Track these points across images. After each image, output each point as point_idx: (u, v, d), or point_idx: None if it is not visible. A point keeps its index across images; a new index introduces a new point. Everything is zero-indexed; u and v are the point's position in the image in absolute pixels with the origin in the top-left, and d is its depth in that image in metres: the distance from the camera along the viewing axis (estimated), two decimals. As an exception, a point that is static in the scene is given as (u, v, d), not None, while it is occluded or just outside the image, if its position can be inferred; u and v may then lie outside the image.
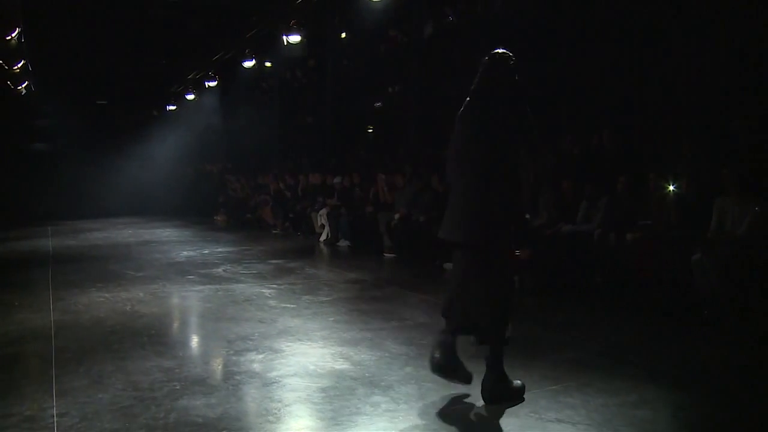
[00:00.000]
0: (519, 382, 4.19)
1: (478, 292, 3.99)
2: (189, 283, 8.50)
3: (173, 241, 13.67)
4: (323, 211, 13.27)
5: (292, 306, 6.99)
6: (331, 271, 9.53)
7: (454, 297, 4.13)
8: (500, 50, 4.01)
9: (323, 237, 13.09)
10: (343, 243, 12.52)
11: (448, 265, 9.21)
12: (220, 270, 9.56)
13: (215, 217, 19.07)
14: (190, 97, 22.31)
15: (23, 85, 19.23)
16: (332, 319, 6.36)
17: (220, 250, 11.99)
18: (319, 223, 13.38)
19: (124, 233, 15.54)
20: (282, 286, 8.17)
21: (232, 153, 22.66)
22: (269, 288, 8.06)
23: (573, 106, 10.60)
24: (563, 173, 8.51)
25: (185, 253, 11.60)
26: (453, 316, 4.10)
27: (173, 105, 24.17)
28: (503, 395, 4.05)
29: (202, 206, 20.62)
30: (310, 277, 8.89)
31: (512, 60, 3.95)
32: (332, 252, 11.99)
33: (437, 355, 4.00)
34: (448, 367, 3.99)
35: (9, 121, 21.77)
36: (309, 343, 5.52)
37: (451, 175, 4.15)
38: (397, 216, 10.84)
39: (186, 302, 7.56)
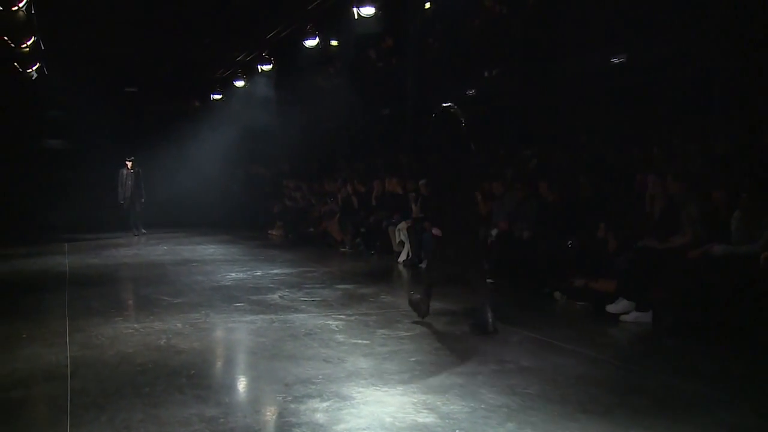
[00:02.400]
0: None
1: (472, 259, 7.64)
2: (237, 313, 8.54)
3: (218, 260, 13.80)
4: (403, 225, 13.28)
5: (364, 342, 6.99)
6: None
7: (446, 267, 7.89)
8: (446, 104, 7.60)
9: (403, 257, 13.10)
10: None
11: (558, 294, 9.09)
12: (275, 296, 9.63)
13: (270, 232, 19.32)
14: (240, 84, 22.57)
15: (34, 68, 19.31)
16: (414, 359, 6.32)
17: (275, 271, 12.06)
18: (398, 240, 13.44)
19: (158, 250, 15.82)
20: (352, 318, 8.18)
21: (291, 153, 22.92)
22: (336, 319, 8.07)
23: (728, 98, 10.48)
24: (714, 180, 8.25)
25: (233, 275, 11.67)
26: (435, 280, 7.87)
27: (218, 94, 24.47)
28: (492, 319, 7.24)
29: (254, 218, 20.96)
30: (386, 307, 8.88)
31: (459, 114, 7.55)
32: (414, 276, 11.88)
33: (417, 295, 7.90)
34: (420, 304, 7.80)
35: (16, 112, 22.21)
36: (385, 388, 5.49)
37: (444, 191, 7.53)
38: (494, 232, 10.77)
39: (234, 336, 7.58)
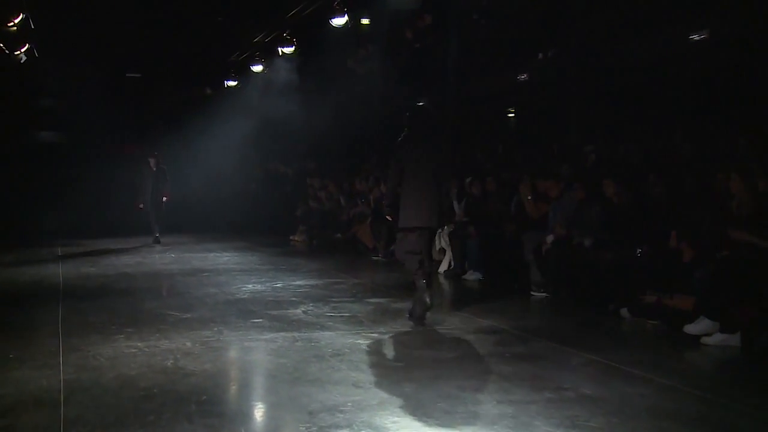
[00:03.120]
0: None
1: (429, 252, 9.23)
2: (255, 330, 8.56)
3: (233, 269, 13.85)
4: (444, 231, 13.14)
5: (399, 365, 7.01)
6: (455, 316, 9.49)
7: (421, 259, 8.82)
8: (423, 103, 9.16)
9: (443, 267, 13.13)
10: (472, 276, 12.51)
11: (625, 311, 8.99)
12: (298, 311, 9.66)
13: (292, 238, 19.39)
14: (257, 69, 22.74)
15: (22, 50, 19.38)
16: (457, 384, 6.29)
17: (298, 283, 12.14)
18: (438, 247, 13.24)
19: (165, 258, 15.94)
20: (385, 336, 8.19)
21: (316, 148, 22.96)
22: (368, 338, 8.09)
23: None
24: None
25: (250, 286, 11.75)
26: (423, 272, 8.79)
27: (233, 80, 24.69)
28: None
29: (274, 222, 21.04)
30: (425, 324, 8.84)
31: (432, 110, 9.11)
32: (456, 288, 11.98)
33: (428, 299, 8.66)
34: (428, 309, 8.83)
35: (3, 100, 22.38)
36: (424, 418, 5.46)
37: (400, 181, 8.93)
38: (550, 238, 10.74)
39: (250, 356, 7.60)
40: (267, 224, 21.34)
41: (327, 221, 18.10)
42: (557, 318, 9.71)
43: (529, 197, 11.70)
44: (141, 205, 18.73)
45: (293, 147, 23.82)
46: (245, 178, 23.63)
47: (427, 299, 8.68)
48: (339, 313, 9.55)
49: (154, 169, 18.73)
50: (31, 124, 23.87)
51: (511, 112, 18.11)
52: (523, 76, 16.75)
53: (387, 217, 9.44)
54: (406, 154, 8.90)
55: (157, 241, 18.62)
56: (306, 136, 23.24)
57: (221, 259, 15.59)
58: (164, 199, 18.84)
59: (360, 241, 16.24)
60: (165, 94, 24.36)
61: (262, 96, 23.47)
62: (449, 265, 12.99)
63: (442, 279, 12.73)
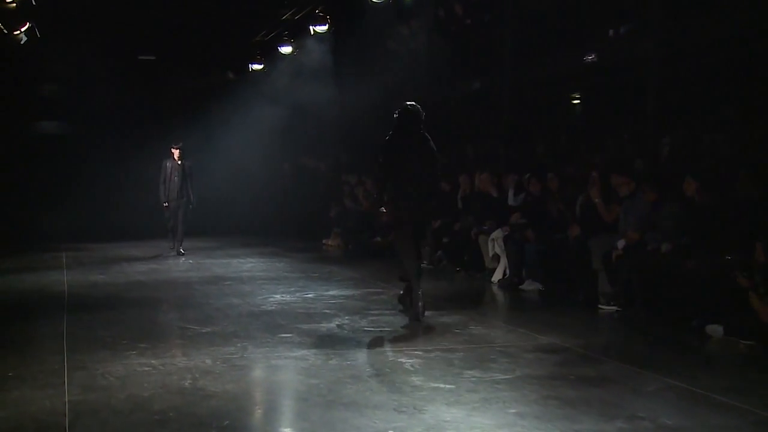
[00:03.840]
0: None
1: (421, 244, 10.76)
2: (284, 346, 8.62)
3: (259, 277, 14.03)
4: (498, 234, 13.26)
5: (448, 387, 6.96)
6: (512, 332, 9.52)
7: (410, 259, 10.17)
8: (410, 103, 10.52)
9: (498, 275, 13.14)
10: (531, 285, 12.49)
11: (712, 328, 8.90)
12: (332, 325, 9.74)
13: (325, 242, 19.56)
14: (286, 50, 22.68)
15: (22, 29, 19.26)
16: (514, 410, 6.29)
17: (332, 293, 12.26)
18: (492, 253, 13.43)
19: (182, 264, 16.17)
20: (431, 354, 8.17)
21: (351, 140, 22.93)
22: (411, 356, 8.08)
23: None
24: None
25: (278, 297, 11.89)
26: (415, 275, 10.08)
27: (259, 63, 24.54)
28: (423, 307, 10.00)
29: (304, 224, 21.16)
30: (476, 341, 8.91)
31: (420, 110, 10.35)
32: (512, 300, 12.00)
33: (421, 304, 9.91)
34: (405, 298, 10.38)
35: (2, 89, 22.45)
36: (477, 449, 5.46)
37: (388, 176, 10.40)
38: (621, 243, 10.68)
39: (278, 376, 7.64)
40: (296, 227, 21.45)
41: (364, 223, 18.06)
42: (630, 335, 9.67)
43: (597, 199, 11.55)
44: (167, 203, 17.88)
45: (326, 139, 23.87)
46: (272, 174, 23.68)
47: (413, 295, 10.15)
48: (378, 327, 9.62)
49: (179, 162, 17.99)
50: (32, 113, 24.06)
51: (576, 98, 17.99)
52: (591, 57, 16.64)
53: (381, 211, 10.65)
54: (395, 152, 10.36)
55: (176, 251, 17.98)
56: (341, 126, 23.28)
57: (245, 265, 15.76)
58: (190, 205, 17.95)
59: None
60: (182, 79, 24.44)
61: (291, 81, 23.28)
62: (504, 274, 12.95)
63: (495, 289, 12.73)
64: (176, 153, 17.94)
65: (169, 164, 17.98)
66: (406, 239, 10.25)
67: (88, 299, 11.86)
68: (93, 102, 22.16)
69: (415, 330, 9.51)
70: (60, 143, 23.72)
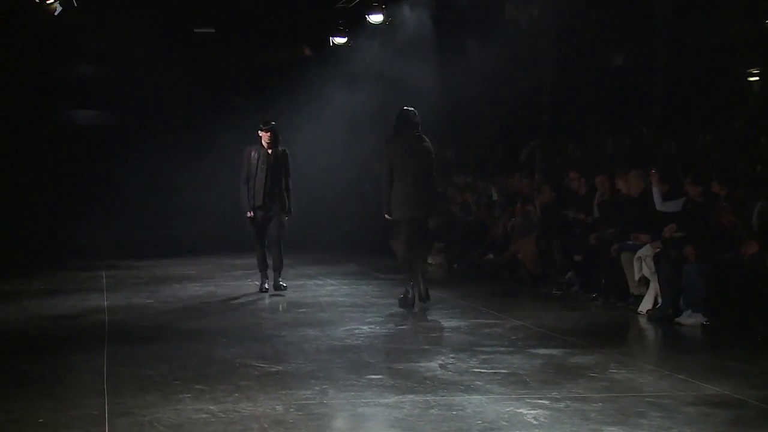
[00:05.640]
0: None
1: (421, 241, 14.06)
2: (372, 390, 8.72)
3: (341, 303, 14.26)
4: (647, 251, 13.10)
5: (582, 446, 6.72)
6: (666, 378, 9.39)
7: (407, 253, 13.59)
8: (407, 107, 14.01)
9: (647, 305, 13.09)
10: (691, 318, 12.30)
11: None
12: (433, 365, 9.81)
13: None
14: (376, 18, 22.35)
15: (56, 0, 19.37)
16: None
17: (433, 324, 12.48)
18: (638, 275, 13.29)
19: (245, 287, 16.14)
20: (561, 404, 8.16)
21: (459, 132, 22.92)
22: (534, 406, 8.08)
23: None
24: None
25: (365, 328, 12.05)
26: (413, 267, 13.73)
27: (342, 36, 24.43)
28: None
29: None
30: (618, 389, 8.85)
31: (415, 113, 14.11)
32: (666, 336, 12.02)
33: (412, 292, 13.68)
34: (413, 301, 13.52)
35: (30, 67, 22.80)
36: None
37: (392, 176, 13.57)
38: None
39: (366, 427, 7.71)
40: (387, 240, 21.39)
41: (474, 236, 17.94)
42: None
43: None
44: (251, 213, 15.50)
45: (427, 131, 23.78)
46: (356, 175, 23.63)
47: (410, 292, 13.53)
48: (492, 368, 9.69)
49: (270, 152, 15.32)
50: (66, 100, 24.49)
51: (754, 74, 17.79)
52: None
53: (385, 215, 13.73)
54: (394, 153, 13.56)
55: (279, 287, 15.78)
56: (444, 114, 22.96)
57: (324, 288, 16.01)
58: (285, 215, 15.65)
59: (522, 265, 16.27)
60: (247, 56, 24.68)
61: (381, 59, 23.21)
62: (655, 303, 12.69)
63: (644, 322, 12.59)
64: (265, 137, 15.34)
65: (254, 154, 15.36)
66: (404, 234, 13.64)
67: (132, 329, 12.01)
68: (140, 86, 22.53)
69: (539, 372, 9.39)
70: (100, 136, 24.17)
